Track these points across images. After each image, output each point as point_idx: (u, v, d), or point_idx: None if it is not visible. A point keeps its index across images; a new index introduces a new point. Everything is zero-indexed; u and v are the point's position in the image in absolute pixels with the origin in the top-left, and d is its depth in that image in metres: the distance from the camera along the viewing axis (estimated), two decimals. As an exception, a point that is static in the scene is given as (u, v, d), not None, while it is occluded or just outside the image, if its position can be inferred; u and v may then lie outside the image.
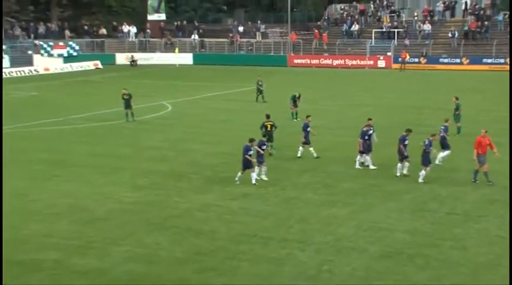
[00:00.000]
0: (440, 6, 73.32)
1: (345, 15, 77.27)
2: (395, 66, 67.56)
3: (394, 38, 70.75)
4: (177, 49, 77.17)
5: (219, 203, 21.35)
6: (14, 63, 68.65)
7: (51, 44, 73.06)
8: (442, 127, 26.15)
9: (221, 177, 24.61)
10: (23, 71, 67.04)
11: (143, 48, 78.71)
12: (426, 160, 23.58)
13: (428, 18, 71.90)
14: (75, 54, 74.00)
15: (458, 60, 66.10)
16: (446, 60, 66.79)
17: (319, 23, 78.70)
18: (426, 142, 23.50)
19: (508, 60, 62.81)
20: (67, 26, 79.57)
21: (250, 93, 46.20)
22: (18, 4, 78.62)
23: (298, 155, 27.34)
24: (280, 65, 70.79)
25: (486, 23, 68.41)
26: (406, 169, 24.34)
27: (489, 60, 64.96)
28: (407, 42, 69.64)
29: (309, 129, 27.30)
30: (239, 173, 23.46)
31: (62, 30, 78.55)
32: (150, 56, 76.83)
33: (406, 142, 24.08)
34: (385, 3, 77.11)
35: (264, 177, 23.90)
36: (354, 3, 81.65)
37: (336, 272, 15.70)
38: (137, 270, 15.92)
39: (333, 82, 58.19)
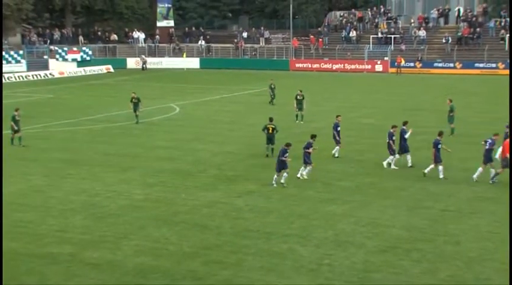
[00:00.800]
0: (434, 14, 73.35)
1: (344, 21, 77.21)
2: (392, 70, 67.51)
3: (391, 44, 70.71)
4: (184, 54, 77.33)
5: (224, 201, 21.37)
6: (30, 68, 69.02)
7: (65, 49, 73.25)
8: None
9: (227, 175, 24.64)
10: (39, 75, 67.22)
11: (152, 53, 78.82)
12: (488, 158, 22.90)
13: (424, 24, 71.83)
14: (88, 58, 74.18)
15: (451, 65, 66.03)
16: (440, 65, 66.76)
17: (319, 29, 78.68)
18: (489, 142, 22.79)
19: (499, 64, 62.89)
20: (81, 32, 79.80)
21: (255, 95, 46.16)
22: (35, 11, 78.78)
23: (336, 155, 27.32)
24: (283, 69, 70.77)
25: (478, 29, 68.39)
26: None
27: (481, 65, 64.84)
28: (403, 47, 69.62)
29: (339, 129, 27.18)
30: (275, 176, 22.99)
31: (76, 36, 78.82)
32: (159, 60, 76.91)
33: (439, 146, 23.33)
34: (382, 10, 77.10)
35: (305, 176, 23.73)
36: (353, 10, 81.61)
37: (335, 265, 15.71)
38: (147, 263, 15.97)
39: (333, 86, 58.15)
